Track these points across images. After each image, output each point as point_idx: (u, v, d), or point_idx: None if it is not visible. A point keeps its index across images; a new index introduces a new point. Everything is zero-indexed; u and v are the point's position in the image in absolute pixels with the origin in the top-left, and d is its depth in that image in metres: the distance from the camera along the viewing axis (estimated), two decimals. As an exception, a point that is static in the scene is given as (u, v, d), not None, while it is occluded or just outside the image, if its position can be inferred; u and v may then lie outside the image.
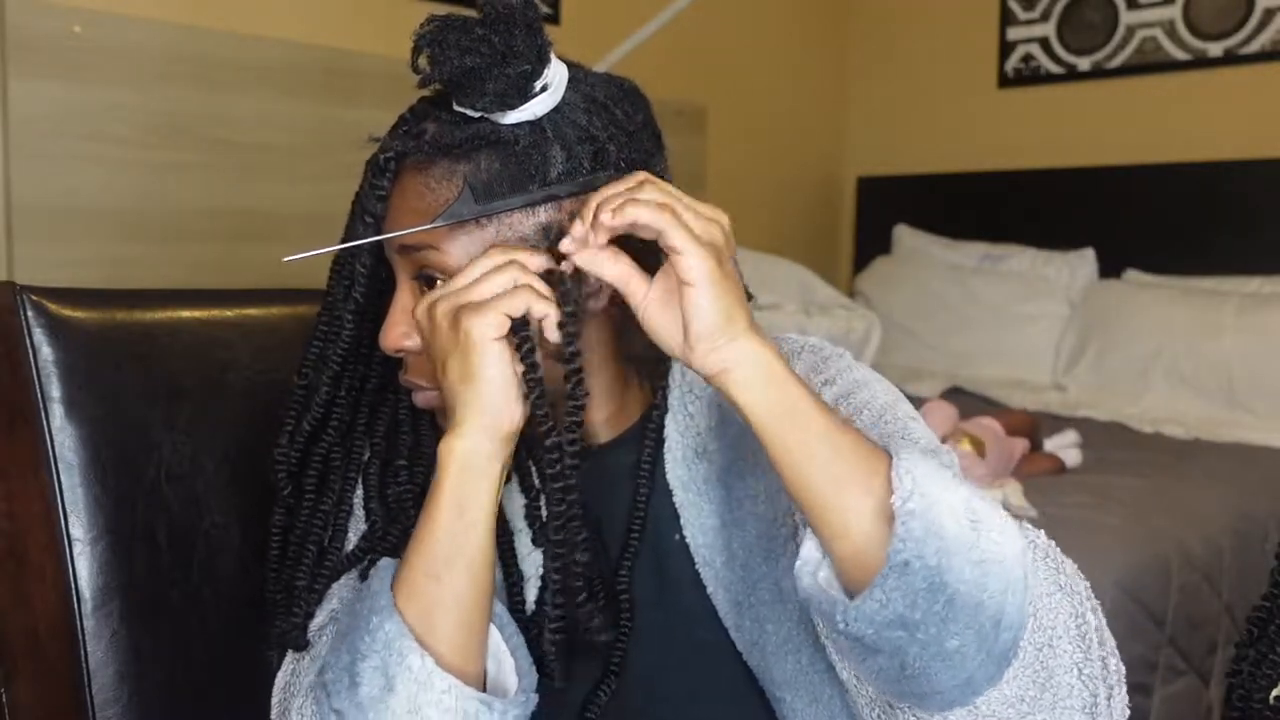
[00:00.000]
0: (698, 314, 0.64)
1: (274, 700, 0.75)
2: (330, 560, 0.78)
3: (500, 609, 0.73)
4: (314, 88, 2.23)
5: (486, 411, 0.67)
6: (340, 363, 0.78)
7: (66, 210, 1.93)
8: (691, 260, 0.63)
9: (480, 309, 0.66)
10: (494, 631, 0.71)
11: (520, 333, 0.68)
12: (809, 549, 0.66)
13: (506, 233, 0.71)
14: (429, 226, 0.70)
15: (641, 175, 0.67)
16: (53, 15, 1.89)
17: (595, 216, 0.66)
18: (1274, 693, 0.96)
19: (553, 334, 0.68)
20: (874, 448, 0.65)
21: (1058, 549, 0.67)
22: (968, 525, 0.61)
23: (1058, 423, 2.65)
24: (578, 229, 0.67)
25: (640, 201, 0.64)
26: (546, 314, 0.67)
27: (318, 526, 0.79)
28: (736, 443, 0.79)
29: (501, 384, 0.67)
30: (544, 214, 0.71)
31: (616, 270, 0.67)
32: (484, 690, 0.69)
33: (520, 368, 0.68)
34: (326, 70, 2.26)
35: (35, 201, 1.89)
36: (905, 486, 0.61)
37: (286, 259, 0.73)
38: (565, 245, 0.68)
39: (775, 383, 0.65)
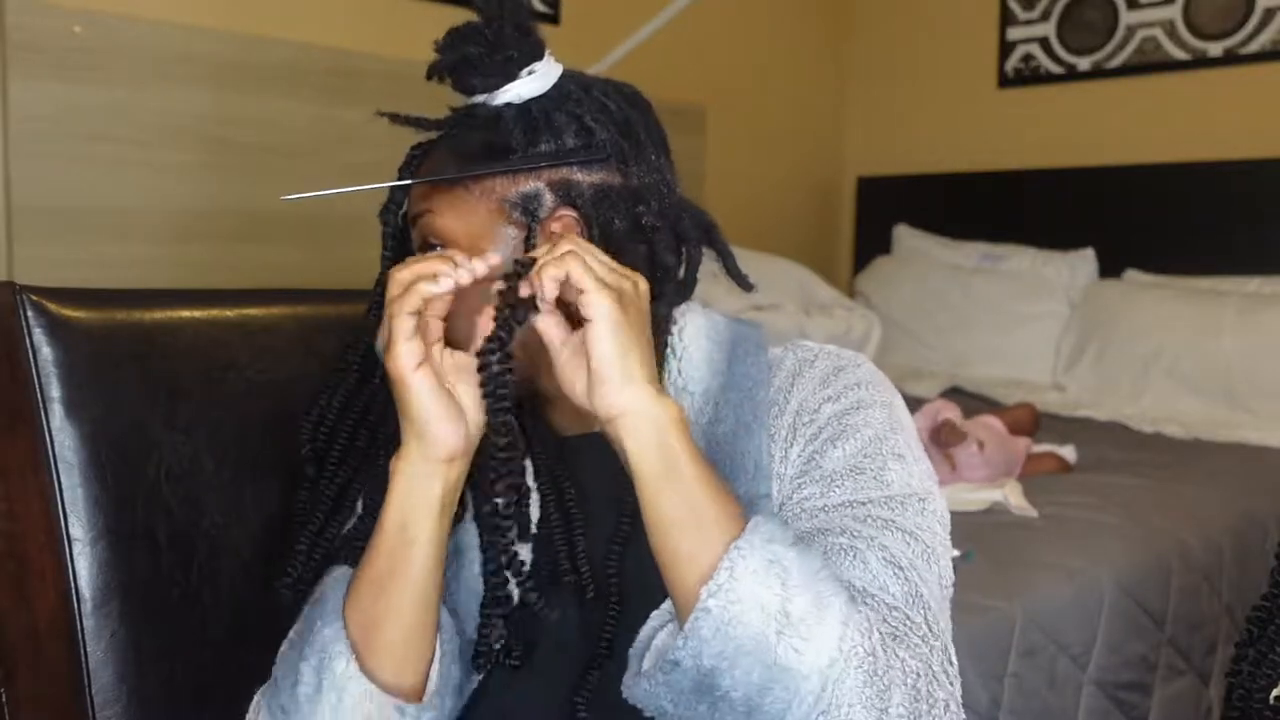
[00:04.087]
0: (596, 350, 0.67)
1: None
2: (331, 532, 0.80)
3: (444, 615, 0.75)
4: (314, 88, 2.24)
5: (420, 437, 0.70)
6: (373, 333, 0.81)
7: (66, 210, 1.93)
8: (593, 298, 0.67)
9: (388, 346, 0.69)
10: None
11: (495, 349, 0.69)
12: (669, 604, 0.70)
13: (490, 197, 0.76)
14: (406, 183, 0.79)
15: (565, 239, 0.71)
16: (53, 15, 1.89)
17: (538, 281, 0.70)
18: (1274, 693, 0.96)
19: (447, 280, 0.69)
20: (735, 518, 0.67)
21: (901, 655, 0.65)
22: (773, 628, 0.62)
23: (1057, 423, 2.65)
24: (528, 289, 0.70)
25: (550, 262, 0.68)
26: (434, 292, 0.69)
27: (328, 496, 0.81)
28: (728, 445, 0.79)
29: (428, 414, 0.69)
30: (526, 183, 0.77)
31: (542, 325, 0.71)
32: (421, 696, 0.73)
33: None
34: (327, 70, 2.26)
35: (35, 201, 1.89)
36: (717, 580, 0.64)
37: (285, 197, 0.80)
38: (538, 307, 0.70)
39: (659, 437, 0.67)
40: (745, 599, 0.63)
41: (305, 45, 2.24)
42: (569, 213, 0.76)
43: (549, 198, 0.76)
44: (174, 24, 2.06)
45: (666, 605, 0.69)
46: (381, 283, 0.82)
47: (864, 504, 0.74)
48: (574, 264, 0.68)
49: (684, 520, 0.66)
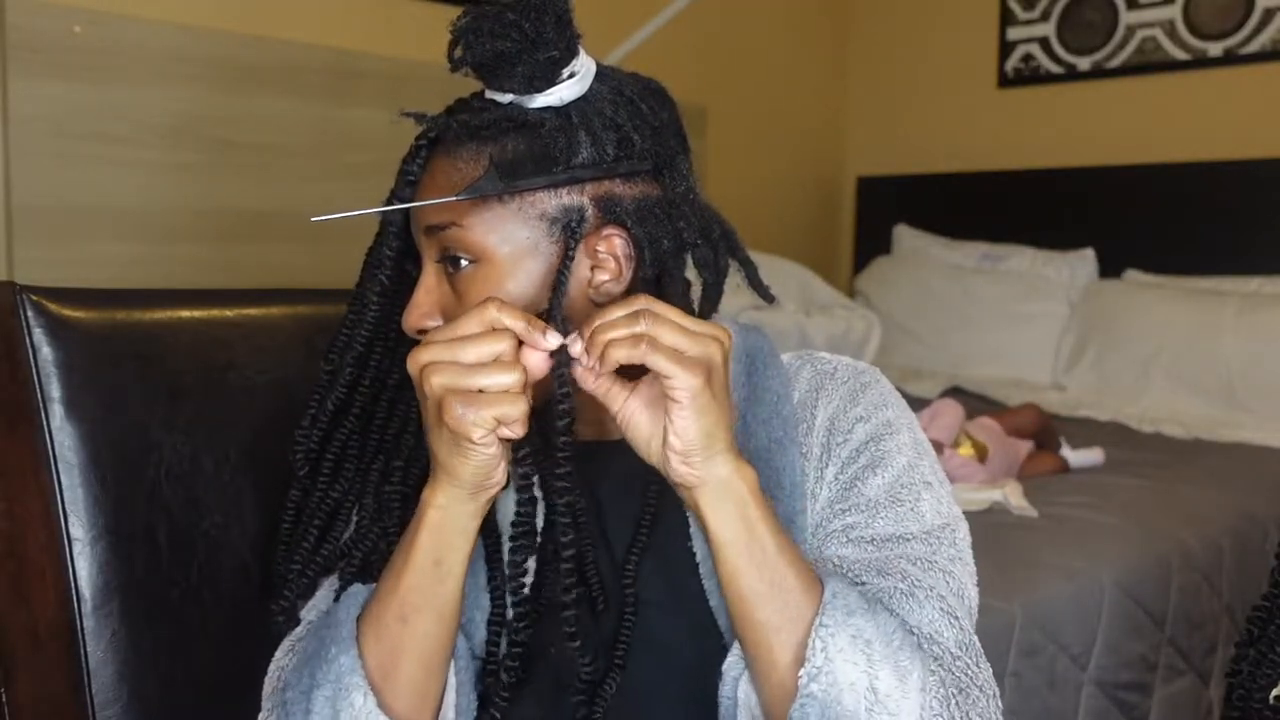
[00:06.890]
0: (679, 428, 0.65)
1: (263, 698, 0.77)
2: (326, 549, 0.79)
3: (460, 643, 0.74)
4: (314, 88, 2.23)
5: (471, 479, 0.67)
6: (365, 344, 0.78)
7: (66, 210, 1.93)
8: (677, 382, 0.64)
9: (474, 403, 0.63)
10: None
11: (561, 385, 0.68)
12: (739, 650, 0.70)
13: (529, 210, 0.72)
14: (452, 199, 0.71)
15: (639, 303, 0.66)
16: (53, 15, 1.89)
17: (593, 341, 0.66)
18: (1274, 692, 0.96)
19: (511, 432, 0.65)
20: (812, 587, 0.68)
21: (983, 705, 0.69)
22: (864, 705, 0.65)
23: (1056, 423, 2.65)
24: (581, 354, 0.67)
25: (618, 343, 0.64)
26: (516, 420, 0.65)
27: (322, 513, 0.79)
28: (762, 462, 0.78)
29: (487, 464, 0.66)
30: (566, 196, 0.72)
31: (595, 386, 0.68)
32: None
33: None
34: (326, 70, 2.25)
35: (35, 201, 1.89)
36: (814, 663, 0.65)
37: (315, 219, 0.75)
38: (576, 356, 0.68)
39: (741, 510, 0.67)
40: (840, 681, 0.65)
41: (305, 45, 2.24)
42: (616, 232, 0.73)
43: (592, 213, 0.72)
44: (174, 24, 2.05)
45: (738, 652, 0.70)
46: (383, 289, 0.76)
47: (907, 540, 0.75)
48: (650, 352, 0.64)
49: (764, 590, 0.67)
